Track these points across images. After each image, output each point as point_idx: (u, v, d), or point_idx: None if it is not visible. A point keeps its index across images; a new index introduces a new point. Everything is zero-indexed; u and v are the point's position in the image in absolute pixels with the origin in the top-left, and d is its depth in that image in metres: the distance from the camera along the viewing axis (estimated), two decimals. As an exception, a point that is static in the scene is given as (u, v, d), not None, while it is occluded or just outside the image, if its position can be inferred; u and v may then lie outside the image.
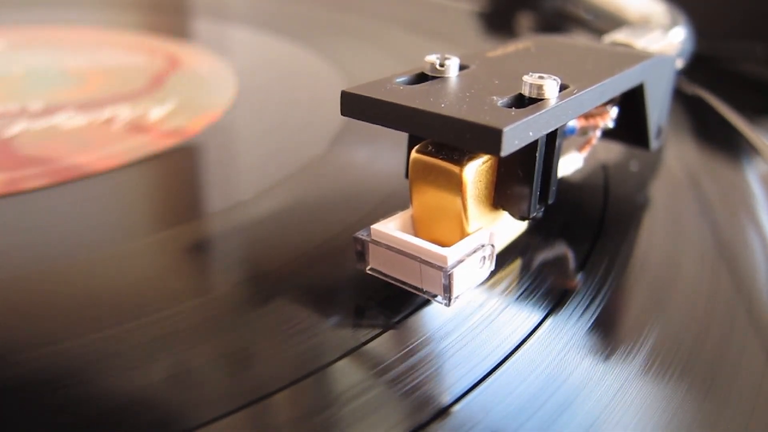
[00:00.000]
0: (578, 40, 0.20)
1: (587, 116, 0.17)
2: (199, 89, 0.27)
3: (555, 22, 0.39)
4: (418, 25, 0.37)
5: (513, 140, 0.12)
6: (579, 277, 0.16)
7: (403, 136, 0.15)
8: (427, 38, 0.35)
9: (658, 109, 0.19)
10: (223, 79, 0.28)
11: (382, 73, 0.15)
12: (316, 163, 0.21)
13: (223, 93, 0.26)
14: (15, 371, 0.12)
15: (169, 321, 0.14)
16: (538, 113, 0.13)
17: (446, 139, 0.13)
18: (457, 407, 0.12)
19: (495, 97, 0.14)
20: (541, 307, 0.15)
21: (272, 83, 0.29)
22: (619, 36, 0.21)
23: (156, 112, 0.24)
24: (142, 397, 0.12)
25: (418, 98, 0.13)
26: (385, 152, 0.21)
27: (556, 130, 0.14)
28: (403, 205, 0.15)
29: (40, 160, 0.20)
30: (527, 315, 0.14)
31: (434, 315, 0.14)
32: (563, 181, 0.19)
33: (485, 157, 0.14)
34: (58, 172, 0.20)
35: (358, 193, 0.20)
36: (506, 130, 0.12)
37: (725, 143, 0.25)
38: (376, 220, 0.14)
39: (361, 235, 0.14)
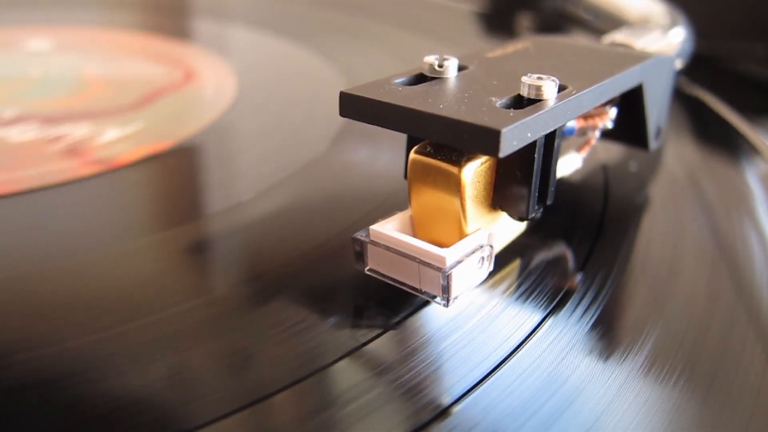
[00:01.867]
0: (577, 40, 0.21)
1: (586, 117, 0.17)
2: (181, 114, 0.25)
3: (555, 23, 0.39)
4: (418, 25, 0.37)
5: (511, 141, 0.12)
6: (579, 278, 0.16)
7: (402, 136, 0.15)
8: (427, 38, 0.35)
9: (657, 109, 0.19)
10: (219, 103, 0.27)
11: (382, 73, 0.15)
12: (316, 163, 0.21)
13: (195, 124, 0.26)
14: (15, 371, 0.12)
15: (169, 321, 0.14)
16: (536, 114, 0.13)
17: (444, 140, 0.13)
18: (456, 408, 0.12)
19: (493, 98, 0.14)
20: (542, 308, 0.15)
21: (272, 83, 0.29)
22: (618, 36, 0.21)
23: (108, 135, 0.23)
24: (141, 398, 0.12)
25: (417, 99, 0.13)
26: (385, 153, 0.21)
27: (555, 130, 0.14)
28: (402, 205, 0.15)
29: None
30: (527, 315, 0.14)
31: (434, 315, 0.14)
32: (563, 182, 0.19)
33: (484, 158, 0.14)
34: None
35: (357, 194, 0.20)
36: (504, 130, 0.12)
37: (725, 143, 0.25)
38: (375, 220, 0.14)
39: (360, 235, 0.14)
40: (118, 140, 0.23)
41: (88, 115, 0.25)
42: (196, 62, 0.30)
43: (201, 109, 0.26)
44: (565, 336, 0.14)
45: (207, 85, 0.28)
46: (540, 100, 0.14)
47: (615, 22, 0.28)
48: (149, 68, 0.30)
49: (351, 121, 0.14)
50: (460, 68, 0.16)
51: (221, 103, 0.25)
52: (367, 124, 0.14)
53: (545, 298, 0.15)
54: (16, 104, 0.26)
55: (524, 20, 0.41)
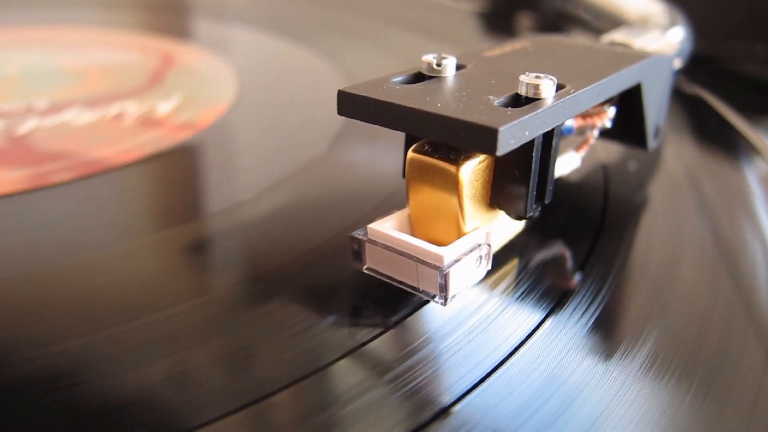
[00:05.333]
0: (576, 39, 0.20)
1: (585, 116, 0.17)
2: (200, 84, 0.27)
3: (555, 22, 0.39)
4: (418, 25, 0.37)
5: (509, 140, 0.12)
6: (578, 277, 0.16)
7: (403, 136, 0.15)
8: (426, 38, 0.35)
9: (655, 109, 0.19)
10: (222, 77, 0.28)
11: (382, 73, 0.15)
12: (316, 163, 0.21)
13: (222, 92, 0.26)
14: (15, 371, 0.12)
15: (169, 321, 0.14)
16: (534, 113, 0.13)
17: (442, 139, 0.13)
18: (457, 407, 0.12)
19: (491, 97, 0.14)
20: (541, 307, 0.15)
21: (272, 83, 0.29)
22: (617, 36, 0.21)
23: (164, 107, 0.24)
24: (141, 398, 0.12)
25: (415, 98, 0.13)
26: (386, 152, 0.21)
27: (553, 129, 0.14)
28: (402, 204, 0.15)
29: (61, 155, 0.21)
30: (527, 315, 0.14)
31: (434, 315, 0.14)
32: (563, 181, 0.19)
33: (482, 157, 0.14)
34: (81, 166, 0.20)
35: (357, 193, 0.20)
36: (502, 129, 0.12)
37: (724, 143, 0.25)
38: (374, 220, 0.14)
39: (358, 234, 0.14)
40: (177, 109, 0.24)
41: (118, 95, 0.26)
42: (191, 58, 0.30)
43: (209, 79, 0.26)
44: (564, 335, 0.14)
45: (195, 61, 0.28)
46: (538, 99, 0.14)
47: (614, 21, 0.28)
48: (120, 56, 0.31)
49: (351, 120, 0.14)
50: (459, 67, 0.16)
51: (224, 98, 0.25)
52: (366, 124, 0.14)
53: (545, 298, 0.15)
54: (32, 96, 0.26)
55: (524, 20, 0.41)
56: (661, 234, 0.18)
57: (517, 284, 0.15)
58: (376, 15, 0.39)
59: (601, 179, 0.20)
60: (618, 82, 0.16)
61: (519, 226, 0.16)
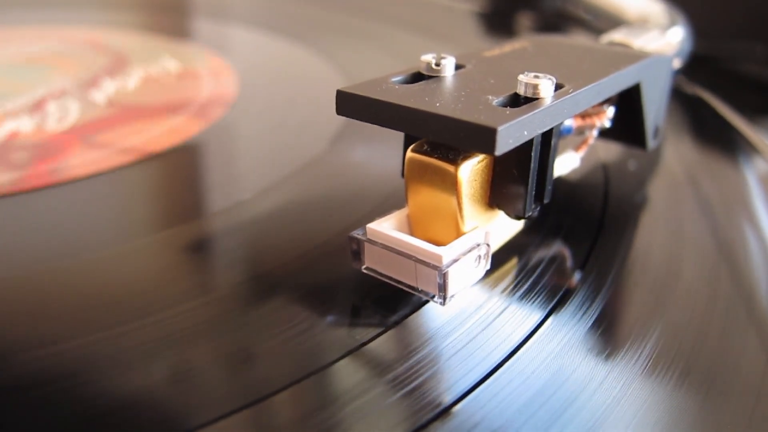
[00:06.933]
0: (575, 39, 0.21)
1: (584, 116, 0.17)
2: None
3: (555, 22, 0.39)
4: (418, 25, 0.37)
5: (507, 139, 0.12)
6: (578, 276, 0.16)
7: (402, 135, 0.15)
8: (427, 38, 0.35)
9: (655, 108, 0.19)
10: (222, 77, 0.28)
11: (382, 73, 0.15)
12: (316, 162, 0.21)
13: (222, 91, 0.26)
14: (15, 371, 0.13)
15: (169, 321, 0.14)
16: (532, 112, 0.13)
17: (441, 138, 0.13)
18: (457, 407, 0.12)
19: (490, 97, 0.14)
20: (541, 307, 0.15)
21: (272, 83, 0.29)
22: (616, 36, 0.21)
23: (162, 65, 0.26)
24: (142, 397, 0.12)
25: (414, 97, 0.13)
26: (385, 152, 0.21)
27: (552, 129, 0.14)
28: (401, 204, 0.15)
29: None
30: (527, 315, 0.14)
31: (434, 314, 0.14)
32: (563, 181, 0.19)
33: (481, 156, 0.14)
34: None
35: (356, 193, 0.20)
36: (500, 129, 0.12)
37: (724, 142, 0.25)
38: (374, 219, 0.14)
39: (357, 234, 0.14)
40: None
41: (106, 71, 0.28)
42: (196, 61, 0.30)
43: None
44: (564, 335, 0.14)
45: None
46: (537, 99, 0.14)
47: (614, 21, 0.28)
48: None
49: (350, 120, 0.14)
50: (458, 67, 0.16)
51: (221, 103, 0.25)
52: (365, 123, 0.14)
53: (545, 297, 0.15)
54: (22, 90, 0.26)
55: (524, 20, 0.41)
56: (661, 233, 0.18)
57: (516, 284, 0.15)
58: (376, 15, 0.39)
59: (601, 178, 0.20)
60: (617, 82, 0.16)
61: (518, 225, 0.16)
